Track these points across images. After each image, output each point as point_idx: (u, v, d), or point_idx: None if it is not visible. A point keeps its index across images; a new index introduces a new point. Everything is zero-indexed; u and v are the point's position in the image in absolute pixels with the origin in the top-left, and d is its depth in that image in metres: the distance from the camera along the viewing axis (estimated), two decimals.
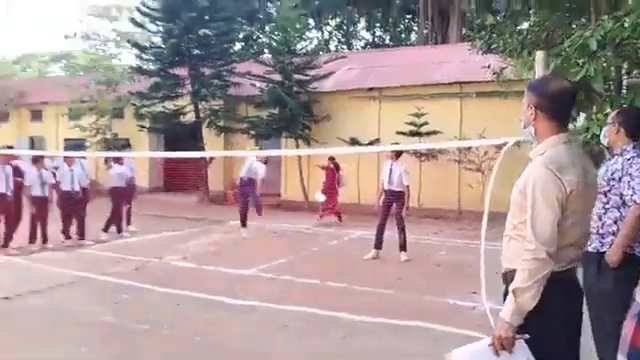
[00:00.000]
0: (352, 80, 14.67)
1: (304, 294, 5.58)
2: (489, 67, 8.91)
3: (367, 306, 5.01)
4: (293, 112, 13.33)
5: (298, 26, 14.95)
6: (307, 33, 20.11)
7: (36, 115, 20.23)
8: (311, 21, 26.40)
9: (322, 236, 9.80)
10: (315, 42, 26.15)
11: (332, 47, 28.26)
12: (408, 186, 7.52)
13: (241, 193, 9.76)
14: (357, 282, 5.93)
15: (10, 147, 11.83)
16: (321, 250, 8.47)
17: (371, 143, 12.68)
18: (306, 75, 14.07)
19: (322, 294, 5.57)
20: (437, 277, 6.53)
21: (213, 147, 15.08)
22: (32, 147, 19.31)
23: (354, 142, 12.75)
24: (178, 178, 17.60)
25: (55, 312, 4.85)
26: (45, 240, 8.11)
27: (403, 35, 28.70)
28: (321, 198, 11.32)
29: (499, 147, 2.86)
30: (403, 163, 7.67)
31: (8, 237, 7.72)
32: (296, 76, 13.97)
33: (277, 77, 14.05)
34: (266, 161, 10.13)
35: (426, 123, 12.22)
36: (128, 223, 9.74)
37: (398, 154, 7.63)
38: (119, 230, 9.31)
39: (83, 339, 4.09)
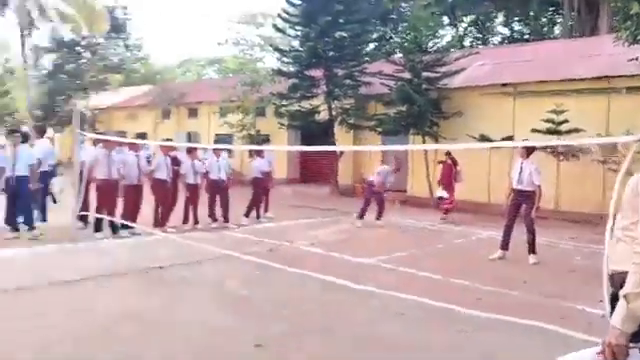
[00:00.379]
0: (484, 76, 14.24)
1: (423, 286, 5.67)
2: (637, 59, 8.11)
3: (487, 304, 4.94)
4: (421, 109, 13.37)
5: (431, 24, 14.90)
6: (440, 31, 19.79)
7: (192, 113, 22.88)
8: (445, 18, 25.88)
9: (448, 233, 9.76)
10: (448, 39, 25.60)
11: (467, 43, 27.38)
12: (539, 186, 7.20)
13: (368, 193, 10.34)
14: (479, 281, 5.81)
15: (169, 140, 13.66)
16: (445, 247, 8.46)
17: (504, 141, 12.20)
18: (436, 72, 13.99)
19: (441, 288, 5.57)
20: (567, 282, 6.18)
21: (343, 143, 15.78)
22: (189, 141, 21.90)
23: (484, 139, 12.37)
24: (312, 171, 18.73)
25: (200, 282, 5.66)
26: (196, 221, 9.30)
27: (545, 29, 26.72)
28: (443, 194, 11.24)
29: None
30: (534, 162, 7.37)
31: (165, 217, 8.89)
32: (425, 74, 13.98)
33: (407, 75, 14.19)
34: (398, 169, 10.78)
35: (566, 121, 11.40)
36: (266, 210, 10.72)
37: (529, 151, 7.34)
38: (258, 216, 10.34)
39: (220, 306, 4.77)
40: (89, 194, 8.13)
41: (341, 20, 16.26)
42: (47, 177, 8.63)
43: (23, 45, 22.13)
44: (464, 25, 28.87)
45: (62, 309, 4.43)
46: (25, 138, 8.68)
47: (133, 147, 8.44)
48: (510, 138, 12.33)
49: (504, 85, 13.36)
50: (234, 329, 4.10)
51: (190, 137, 22.62)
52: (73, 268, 5.76)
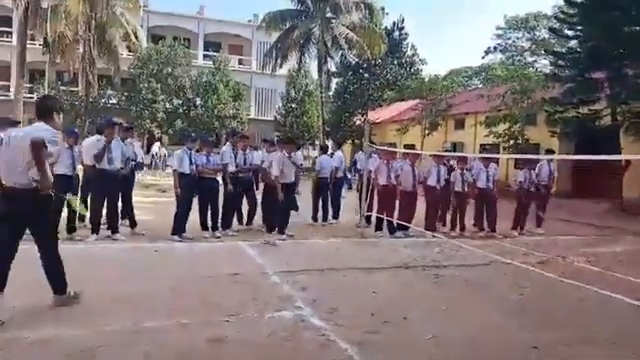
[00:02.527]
0: None
1: None
2: None
3: None
4: None
5: None
6: None
7: (459, 124, 23.41)
8: None
9: None
10: None
11: None
12: None
13: None
14: None
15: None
16: None
17: None
18: None
19: None
20: None
21: (630, 153, 13.87)
22: (454, 151, 22.49)
23: None
24: (588, 184, 16.90)
25: (474, 283, 6.11)
26: (462, 228, 9.76)
27: None
28: None
29: None
30: None
31: (433, 221, 9.62)
32: None
33: None
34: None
35: None
36: (538, 225, 10.41)
37: None
38: (522, 227, 10.13)
39: (494, 307, 5.15)
40: (373, 198, 9.49)
41: (633, 12, 14.36)
42: (341, 183, 10.58)
43: (320, 71, 26.44)
44: None
45: (362, 288, 5.53)
46: (324, 150, 10.81)
47: (408, 157, 9.51)
48: None
49: None
50: (511, 329, 4.44)
51: (455, 147, 23.18)
52: (365, 259, 6.98)
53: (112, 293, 4.81)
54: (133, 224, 8.17)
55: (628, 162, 13.79)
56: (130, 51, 28.36)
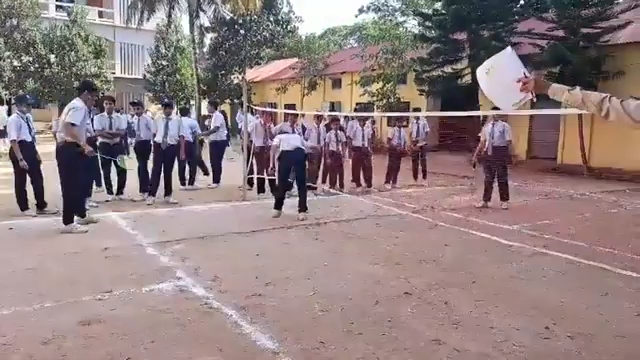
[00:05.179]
0: None
1: (569, 250, 5.72)
2: None
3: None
4: (576, 70, 12.42)
5: None
6: None
7: (336, 83, 23.85)
8: None
9: (600, 203, 9.28)
10: None
11: None
12: None
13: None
14: (627, 250, 5.74)
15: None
16: (595, 216, 8.13)
17: None
18: (596, 28, 12.80)
19: (587, 253, 5.61)
20: None
21: (488, 109, 15.27)
22: (332, 110, 23.01)
23: None
24: (451, 138, 18.42)
25: (353, 236, 6.37)
26: (341, 185, 10.13)
27: None
28: None
29: None
30: None
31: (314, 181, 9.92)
32: (584, 30, 12.87)
33: (561, 33, 13.22)
34: None
35: None
36: (424, 177, 11.19)
37: None
38: (394, 181, 10.77)
39: (367, 259, 5.42)
40: (254, 160, 9.35)
41: None
42: (224, 145, 10.27)
43: (192, 26, 24.90)
44: None
45: (244, 252, 5.46)
46: (183, 113, 10.23)
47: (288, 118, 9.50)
48: None
49: None
50: (386, 278, 4.70)
51: (333, 106, 23.70)
52: (247, 222, 6.89)
53: None
54: None
55: (485, 117, 15.17)
56: None
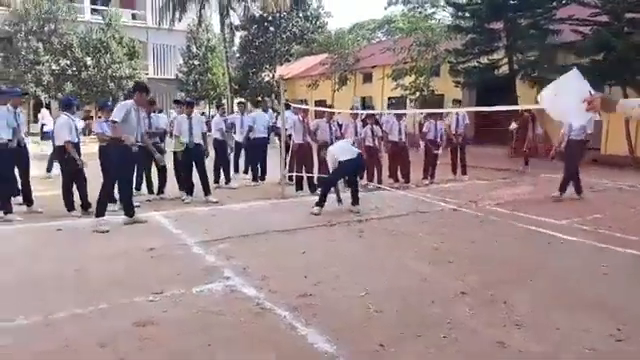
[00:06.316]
0: None
1: (623, 244, 5.46)
2: None
3: None
4: (621, 56, 11.89)
5: None
6: None
7: (367, 78, 23.64)
8: None
9: None
10: None
11: None
12: None
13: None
14: None
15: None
16: None
17: None
18: None
19: None
20: None
21: (526, 99, 14.83)
22: (363, 106, 22.83)
23: None
24: (490, 130, 17.99)
25: (400, 233, 6.23)
26: (379, 181, 9.98)
27: None
28: None
29: None
30: None
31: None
32: (629, 15, 12.30)
33: (604, 19, 12.68)
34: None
35: None
36: (464, 173, 10.89)
37: None
38: (431, 177, 10.52)
39: (416, 256, 5.28)
40: (292, 157, 9.28)
41: None
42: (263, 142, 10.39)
43: (222, 25, 25.09)
44: None
45: (290, 250, 5.39)
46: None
47: (324, 115, 9.40)
48: None
49: None
50: (436, 276, 4.55)
51: (364, 101, 23.49)
52: (288, 219, 6.84)
53: (14, 282, 4.25)
54: (29, 202, 7.29)
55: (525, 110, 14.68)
56: (2, 5, 24.98)
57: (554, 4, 15.89)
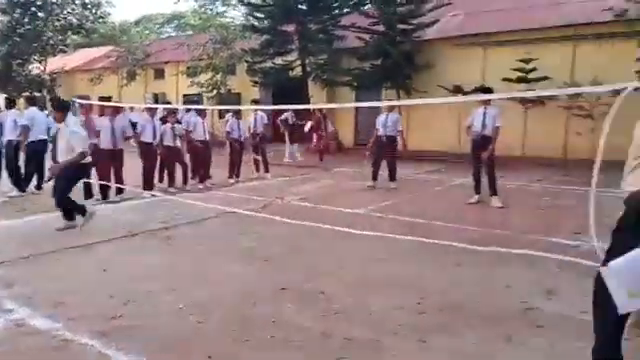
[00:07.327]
0: (456, 27, 14.54)
1: (414, 229, 6.14)
2: (610, 9, 8.60)
3: (475, 241, 5.41)
4: (395, 62, 13.62)
5: None
6: None
7: (159, 74, 22.38)
8: None
9: (427, 182, 10.35)
10: None
11: None
12: (498, 127, 7.55)
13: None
14: (462, 222, 6.39)
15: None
16: (425, 195, 9.00)
17: (476, 90, 12.67)
18: (410, 24, 14.18)
19: (429, 230, 6.09)
20: (539, 219, 6.82)
21: (318, 100, 15.92)
22: (156, 103, 21.56)
23: (458, 90, 12.83)
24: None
25: (210, 238, 5.96)
26: (185, 182, 9.52)
27: None
28: None
29: (616, 93, 2.83)
30: (495, 107, 7.79)
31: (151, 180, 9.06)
32: (400, 26, 14.13)
33: (381, 28, 14.32)
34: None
35: (535, 69, 11.92)
36: (266, 170, 10.96)
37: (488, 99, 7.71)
38: (237, 175, 10.49)
39: (230, 259, 5.12)
40: None
41: None
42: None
43: None
44: None
45: (87, 269, 4.68)
46: None
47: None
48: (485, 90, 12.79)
49: (475, 35, 13.71)
50: (252, 276, 4.46)
51: (157, 98, 22.23)
52: (81, 233, 5.96)
53: None
54: None
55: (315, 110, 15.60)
56: None
57: (339, 12, 17.36)
